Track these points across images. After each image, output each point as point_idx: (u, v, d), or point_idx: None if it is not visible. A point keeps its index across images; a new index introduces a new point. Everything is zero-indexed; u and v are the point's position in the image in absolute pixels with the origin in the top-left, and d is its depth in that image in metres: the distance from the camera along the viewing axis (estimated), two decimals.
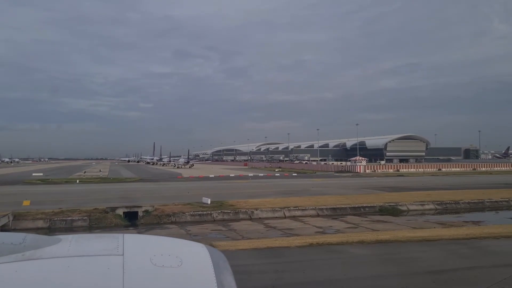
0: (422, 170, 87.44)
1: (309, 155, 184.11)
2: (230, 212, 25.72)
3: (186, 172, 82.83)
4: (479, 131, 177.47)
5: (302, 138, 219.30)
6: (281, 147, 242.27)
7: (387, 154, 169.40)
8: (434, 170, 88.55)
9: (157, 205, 26.62)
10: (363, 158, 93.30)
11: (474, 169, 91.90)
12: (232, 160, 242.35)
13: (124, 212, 25.10)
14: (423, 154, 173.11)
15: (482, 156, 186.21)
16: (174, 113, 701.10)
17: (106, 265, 2.14)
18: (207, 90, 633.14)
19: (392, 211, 27.68)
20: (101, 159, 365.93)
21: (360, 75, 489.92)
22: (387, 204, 28.73)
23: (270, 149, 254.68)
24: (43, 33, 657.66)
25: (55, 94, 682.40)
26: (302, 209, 26.87)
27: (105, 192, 37.24)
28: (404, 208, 28.78)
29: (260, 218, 25.50)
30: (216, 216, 25.18)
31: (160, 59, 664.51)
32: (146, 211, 25.35)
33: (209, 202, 27.46)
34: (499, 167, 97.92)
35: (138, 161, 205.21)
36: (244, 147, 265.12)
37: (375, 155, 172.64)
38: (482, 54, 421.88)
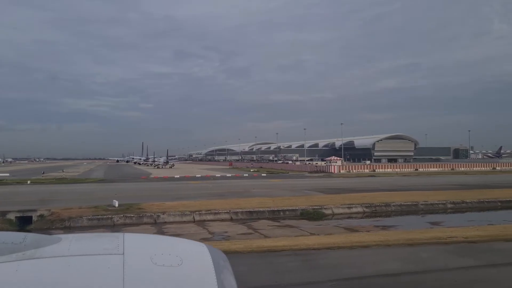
0: (398, 170, 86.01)
1: (297, 155, 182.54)
2: (133, 216, 24.29)
3: (160, 172, 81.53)
4: (469, 130, 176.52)
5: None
6: (272, 147, 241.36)
7: (375, 154, 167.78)
8: (411, 170, 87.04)
9: (59, 208, 25.20)
10: (338, 158, 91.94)
11: (453, 169, 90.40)
12: (223, 160, 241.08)
13: (17, 217, 23.64)
14: (412, 154, 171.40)
15: (473, 155, 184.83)
16: (174, 114, 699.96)
17: (106, 264, 2.14)
18: (207, 90, 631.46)
19: (314, 214, 26.26)
20: (98, 159, 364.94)
21: (360, 75, 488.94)
22: (311, 208, 27.27)
23: (262, 149, 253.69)
24: (43, 33, 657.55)
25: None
26: (215, 213, 25.42)
27: (33, 194, 35.80)
28: (329, 211, 27.31)
29: (165, 222, 24.07)
30: (117, 221, 23.76)
31: (160, 59, 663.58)
32: (41, 216, 23.90)
33: (116, 205, 26.03)
34: (480, 167, 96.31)
35: (127, 161, 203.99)
36: (237, 147, 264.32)
37: (363, 155, 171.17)
38: (482, 54, 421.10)
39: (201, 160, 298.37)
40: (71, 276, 2.05)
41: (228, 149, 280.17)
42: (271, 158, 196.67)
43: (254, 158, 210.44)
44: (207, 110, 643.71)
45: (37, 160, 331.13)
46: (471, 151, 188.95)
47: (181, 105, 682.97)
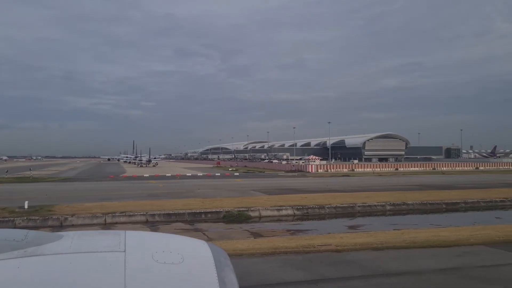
0: (378, 169, 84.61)
1: (288, 154, 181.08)
2: (37, 219, 23.02)
3: (137, 171, 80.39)
4: (461, 130, 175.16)
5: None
6: (266, 146, 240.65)
7: (366, 153, 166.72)
8: (392, 169, 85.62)
9: None
10: (316, 158, 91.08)
11: (434, 168, 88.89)
12: (217, 159, 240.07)
13: None
14: (403, 153, 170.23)
15: (465, 155, 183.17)
16: (175, 112, 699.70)
17: (108, 262, 2.14)
18: (209, 88, 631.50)
19: (237, 217, 24.96)
20: (93, 157, 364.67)
21: (361, 74, 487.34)
22: (236, 210, 25.95)
23: (256, 147, 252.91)
24: (45, 31, 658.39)
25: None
26: (130, 215, 24.13)
27: None
28: (256, 213, 25.97)
29: (72, 225, 22.84)
30: (19, 223, 22.49)
31: (161, 57, 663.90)
32: None
33: (26, 207, 24.78)
34: (463, 166, 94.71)
35: (118, 160, 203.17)
36: (232, 146, 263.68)
37: (354, 154, 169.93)
38: (484, 53, 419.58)
39: (196, 158, 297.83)
40: (73, 274, 2.04)
41: (222, 148, 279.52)
42: (262, 157, 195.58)
43: (247, 157, 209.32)
44: (208, 109, 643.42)
45: (34, 158, 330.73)
46: (463, 151, 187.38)
47: (182, 103, 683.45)
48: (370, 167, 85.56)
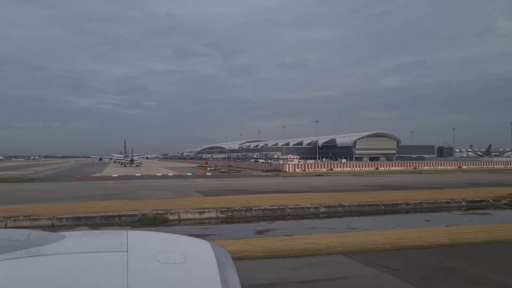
0: (358, 168, 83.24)
1: (279, 153, 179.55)
2: None
3: (114, 171, 79.34)
4: (454, 128, 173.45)
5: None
6: (261, 145, 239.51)
7: (356, 152, 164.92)
8: (372, 169, 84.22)
9: None
10: (295, 157, 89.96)
11: (415, 168, 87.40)
12: (211, 158, 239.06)
13: None
14: (394, 152, 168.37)
15: (458, 154, 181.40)
16: (176, 112, 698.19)
17: (110, 262, 2.14)
18: (210, 88, 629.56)
19: (154, 220, 23.72)
20: (90, 157, 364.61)
21: (362, 73, 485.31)
22: (154, 212, 24.70)
23: (250, 146, 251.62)
24: (45, 31, 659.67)
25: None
26: (34, 219, 22.93)
27: None
28: (175, 216, 24.71)
29: None
30: None
31: (162, 57, 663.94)
32: None
33: None
34: (446, 166, 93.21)
35: (110, 159, 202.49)
36: (227, 145, 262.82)
37: (345, 153, 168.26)
38: (486, 52, 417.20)
39: (192, 158, 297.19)
40: (75, 274, 2.04)
41: (217, 147, 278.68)
42: (255, 156, 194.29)
43: (239, 156, 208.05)
44: (208, 109, 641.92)
45: (32, 158, 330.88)
46: (456, 150, 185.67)
47: (183, 103, 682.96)
48: (350, 167, 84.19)
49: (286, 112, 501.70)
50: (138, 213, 24.54)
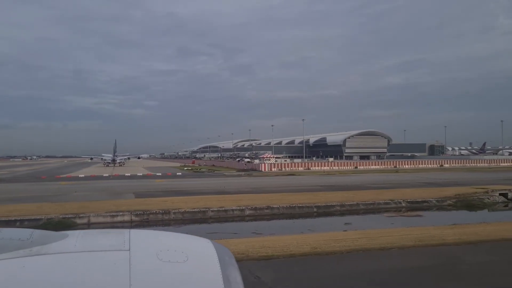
0: (337, 168, 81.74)
1: (269, 152, 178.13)
2: None
3: (89, 171, 78.33)
4: (445, 126, 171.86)
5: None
6: (255, 143, 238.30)
7: (346, 150, 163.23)
8: (351, 168, 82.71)
9: None
10: (272, 156, 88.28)
11: (395, 166, 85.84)
12: (203, 157, 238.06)
13: None
14: (385, 150, 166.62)
15: (450, 152, 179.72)
16: (178, 111, 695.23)
17: (112, 261, 2.14)
18: (212, 87, 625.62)
19: (57, 225, 22.38)
20: (84, 157, 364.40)
21: (365, 71, 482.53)
22: (61, 216, 23.39)
23: (245, 145, 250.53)
24: (47, 31, 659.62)
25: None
26: None
27: None
28: (84, 220, 23.43)
29: None
30: None
31: (163, 56, 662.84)
32: None
33: None
34: (427, 164, 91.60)
35: (101, 159, 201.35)
36: (223, 144, 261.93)
37: (335, 151, 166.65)
38: (488, 49, 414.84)
39: (188, 157, 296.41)
40: (78, 272, 2.04)
41: (211, 147, 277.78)
42: (247, 155, 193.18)
43: (231, 156, 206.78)
44: (211, 108, 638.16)
45: (29, 158, 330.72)
46: (448, 148, 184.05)
47: (185, 102, 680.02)
48: (329, 165, 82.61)
49: (287, 111, 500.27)
50: (43, 217, 23.22)
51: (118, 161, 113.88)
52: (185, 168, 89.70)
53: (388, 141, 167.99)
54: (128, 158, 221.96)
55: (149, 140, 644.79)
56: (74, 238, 2.36)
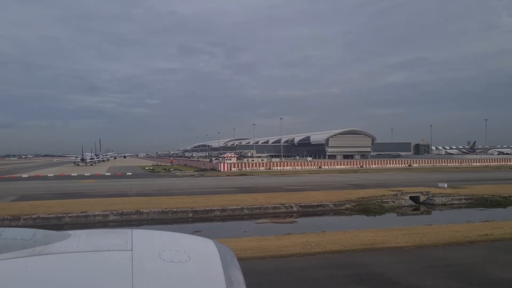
0: (300, 167, 79.47)
1: (253, 151, 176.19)
2: None
3: (46, 172, 76.38)
4: (431, 125, 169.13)
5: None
6: (244, 142, 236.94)
7: (329, 150, 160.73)
8: (315, 168, 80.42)
9: None
10: (233, 155, 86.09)
11: (362, 166, 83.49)
12: (190, 157, 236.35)
13: None
14: (369, 149, 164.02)
15: (435, 151, 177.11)
16: (179, 110, 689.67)
17: (115, 260, 2.15)
18: (213, 86, 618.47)
19: None
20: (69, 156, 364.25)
21: (366, 70, 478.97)
22: None
23: (234, 144, 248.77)
24: (49, 30, 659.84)
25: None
26: None
27: None
28: None
29: None
30: None
31: (165, 55, 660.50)
32: None
33: None
34: (396, 164, 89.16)
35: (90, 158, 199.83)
36: (215, 143, 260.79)
37: (318, 151, 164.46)
38: (490, 48, 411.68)
39: (180, 156, 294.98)
40: (80, 272, 2.06)
41: (201, 145, 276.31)
42: (233, 154, 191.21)
43: (217, 155, 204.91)
44: (212, 106, 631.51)
45: (24, 157, 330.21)
46: (433, 147, 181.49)
47: (186, 101, 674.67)
48: (292, 165, 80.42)
49: (289, 110, 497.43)
50: None
51: (89, 160, 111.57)
52: (146, 168, 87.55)
53: (372, 140, 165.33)
54: (114, 157, 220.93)
55: (150, 139, 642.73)
56: (76, 238, 2.38)
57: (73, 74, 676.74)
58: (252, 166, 79.19)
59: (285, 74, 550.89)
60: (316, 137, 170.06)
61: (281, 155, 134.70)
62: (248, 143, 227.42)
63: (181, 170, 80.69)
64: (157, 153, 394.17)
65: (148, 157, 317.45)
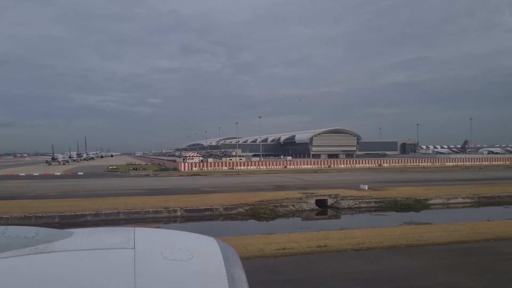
0: (264, 167, 77.49)
1: (239, 150, 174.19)
2: None
3: (11, 170, 74.65)
4: (417, 124, 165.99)
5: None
6: (234, 141, 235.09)
7: (313, 149, 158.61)
8: (280, 167, 78.38)
9: None
10: (196, 155, 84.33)
11: (329, 166, 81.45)
12: (180, 156, 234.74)
13: None
14: (354, 149, 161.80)
15: (422, 151, 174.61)
16: (181, 109, 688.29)
17: (117, 259, 2.16)
18: (215, 85, 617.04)
19: None
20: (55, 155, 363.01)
21: (368, 69, 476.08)
22: None
23: (226, 142, 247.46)
24: (50, 29, 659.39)
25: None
26: None
27: None
28: None
29: None
30: None
31: (167, 54, 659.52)
32: None
33: None
34: (366, 164, 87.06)
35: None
36: (208, 142, 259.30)
37: (302, 150, 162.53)
38: (492, 47, 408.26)
39: (172, 155, 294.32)
40: (83, 270, 2.06)
41: (191, 145, 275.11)
42: (218, 153, 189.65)
43: (204, 154, 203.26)
44: (214, 105, 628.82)
45: (19, 155, 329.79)
46: (420, 146, 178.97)
47: (188, 100, 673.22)
48: (255, 165, 78.49)
49: (291, 109, 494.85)
50: None
51: (61, 160, 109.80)
52: (110, 167, 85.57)
53: (358, 139, 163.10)
54: (101, 156, 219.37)
55: (152, 138, 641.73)
56: (79, 236, 2.37)
57: (75, 73, 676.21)
58: (215, 166, 77.30)
59: (287, 73, 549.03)
60: (301, 136, 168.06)
61: (260, 155, 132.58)
62: (238, 142, 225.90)
63: (145, 170, 78.85)
64: (151, 151, 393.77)
65: (144, 156, 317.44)
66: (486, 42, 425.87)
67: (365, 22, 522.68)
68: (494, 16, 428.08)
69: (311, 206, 27.38)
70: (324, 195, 28.92)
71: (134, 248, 2.24)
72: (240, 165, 77.86)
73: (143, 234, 2.48)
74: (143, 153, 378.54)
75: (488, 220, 21.05)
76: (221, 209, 25.74)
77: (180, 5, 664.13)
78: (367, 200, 28.47)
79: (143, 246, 2.29)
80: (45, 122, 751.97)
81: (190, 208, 25.46)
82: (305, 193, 29.80)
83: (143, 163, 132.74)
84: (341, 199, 28.41)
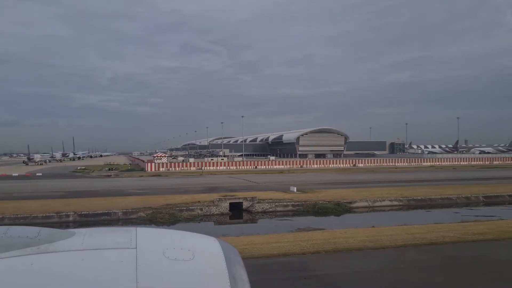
0: (234, 167, 75.90)
1: (227, 150, 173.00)
2: None
3: None
4: (406, 123, 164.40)
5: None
6: (226, 141, 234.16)
7: (300, 148, 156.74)
8: (251, 168, 76.79)
9: None
10: (163, 155, 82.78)
11: (301, 166, 79.87)
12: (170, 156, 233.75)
13: None
14: (342, 148, 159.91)
15: (411, 150, 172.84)
16: (182, 108, 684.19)
17: (119, 258, 2.16)
18: (216, 85, 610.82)
19: None
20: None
21: (369, 69, 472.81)
22: None
23: (218, 142, 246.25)
24: (52, 28, 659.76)
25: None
26: None
27: None
28: None
29: None
30: None
31: (168, 54, 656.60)
32: None
33: None
34: (340, 164, 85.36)
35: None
36: (204, 141, 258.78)
37: (289, 150, 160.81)
38: (494, 47, 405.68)
39: (165, 155, 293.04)
40: (85, 270, 2.06)
41: (184, 145, 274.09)
42: (206, 153, 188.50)
43: (193, 154, 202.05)
44: (215, 105, 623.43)
45: (15, 155, 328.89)
46: (409, 146, 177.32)
47: (189, 99, 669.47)
48: (225, 165, 76.90)
49: (292, 108, 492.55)
50: None
51: (38, 160, 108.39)
52: (78, 168, 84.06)
53: (345, 138, 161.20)
54: (91, 156, 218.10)
55: (153, 137, 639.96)
56: (81, 236, 2.38)
57: (76, 73, 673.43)
58: (183, 166, 75.77)
59: (288, 73, 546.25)
60: (288, 136, 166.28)
61: (243, 155, 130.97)
62: (229, 141, 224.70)
63: (116, 170, 77.39)
64: (147, 151, 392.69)
65: (141, 155, 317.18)
66: (488, 42, 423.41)
67: (366, 22, 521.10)
68: (496, 16, 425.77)
69: (222, 210, 25.80)
70: (240, 198, 27.30)
71: (136, 248, 2.24)
72: (212, 166, 76.36)
73: (144, 234, 2.49)
74: (140, 153, 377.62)
75: (406, 225, 19.32)
76: (119, 213, 24.19)
77: (181, 4, 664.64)
78: (285, 204, 26.88)
79: (145, 246, 2.29)
80: (47, 121, 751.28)
81: (85, 212, 23.91)
82: (224, 196, 28.20)
83: (128, 163, 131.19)
84: (257, 203, 26.81)
